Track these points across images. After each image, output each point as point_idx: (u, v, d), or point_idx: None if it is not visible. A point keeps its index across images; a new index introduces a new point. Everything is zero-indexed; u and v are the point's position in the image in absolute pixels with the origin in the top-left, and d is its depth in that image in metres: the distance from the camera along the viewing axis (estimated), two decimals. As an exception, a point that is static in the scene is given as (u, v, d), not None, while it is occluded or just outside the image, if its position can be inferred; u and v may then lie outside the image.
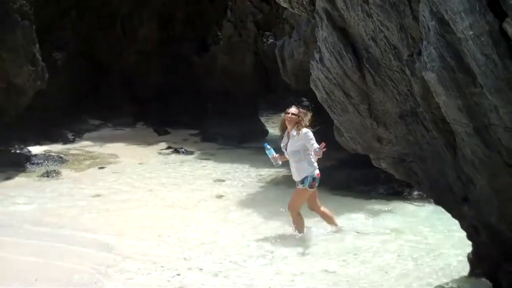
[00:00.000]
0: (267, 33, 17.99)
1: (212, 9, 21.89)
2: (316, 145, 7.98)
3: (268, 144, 8.61)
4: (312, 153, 8.09)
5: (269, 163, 14.03)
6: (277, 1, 6.74)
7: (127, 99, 21.26)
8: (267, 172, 13.28)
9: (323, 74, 5.61)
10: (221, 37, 20.71)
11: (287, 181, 12.38)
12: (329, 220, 8.75)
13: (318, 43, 5.82)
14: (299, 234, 8.47)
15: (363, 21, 4.87)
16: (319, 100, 6.10)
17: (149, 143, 17.79)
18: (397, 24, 4.50)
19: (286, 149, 8.37)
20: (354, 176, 11.50)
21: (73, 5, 20.67)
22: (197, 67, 20.38)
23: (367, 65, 5.11)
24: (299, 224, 8.51)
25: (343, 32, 5.30)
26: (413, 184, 6.04)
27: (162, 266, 7.36)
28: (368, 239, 8.39)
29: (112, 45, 21.52)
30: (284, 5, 6.52)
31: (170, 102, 20.42)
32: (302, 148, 8.17)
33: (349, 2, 4.97)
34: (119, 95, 21.15)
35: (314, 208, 8.71)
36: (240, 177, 13.10)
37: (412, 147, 5.21)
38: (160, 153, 16.34)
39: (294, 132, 8.21)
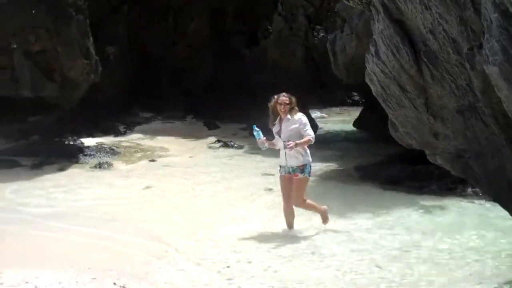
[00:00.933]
0: (318, 26, 17.85)
1: (263, 3, 21.85)
2: (312, 133, 7.97)
3: (257, 127, 8.23)
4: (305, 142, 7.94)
5: (318, 157, 14.14)
6: (331, -8, 6.66)
7: (178, 92, 21.47)
8: (317, 167, 13.14)
9: (379, 67, 5.50)
10: (271, 31, 20.67)
11: (337, 175, 12.37)
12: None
13: (373, 36, 5.71)
14: (326, 221, 8.48)
15: (421, 13, 4.75)
16: (374, 94, 5.99)
17: (199, 137, 17.91)
18: (457, 16, 4.37)
19: (279, 135, 8.08)
20: (406, 171, 11.31)
21: (125, 0, 20.98)
22: (247, 61, 20.40)
23: (425, 59, 4.99)
24: (317, 209, 8.48)
25: (400, 25, 5.18)
26: (470, 181, 5.89)
27: (211, 258, 7.39)
28: (420, 236, 8.22)
29: (163, 39, 21.78)
30: (340, -4, 6.44)
31: (219, 96, 20.50)
32: (296, 132, 7.97)
33: (407, -6, 4.87)
34: (170, 88, 21.40)
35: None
36: (289, 171, 13.01)
37: (470, 143, 5.07)
38: (209, 147, 16.42)
39: (288, 116, 8.03)
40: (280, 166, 8.30)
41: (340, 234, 8.37)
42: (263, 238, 8.24)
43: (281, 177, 8.35)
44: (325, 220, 8.53)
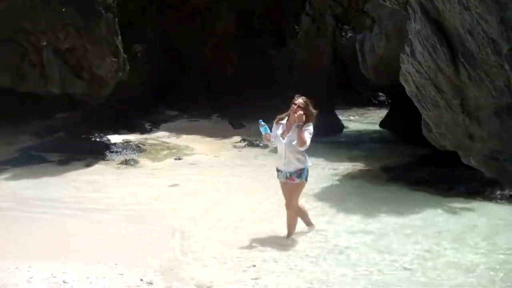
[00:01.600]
0: (346, 26, 17.72)
1: (290, 3, 21.80)
2: (308, 142, 7.62)
3: (263, 121, 7.96)
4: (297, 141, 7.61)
5: (344, 156, 14.11)
6: (368, -8, 6.58)
7: (204, 91, 21.50)
8: (343, 166, 13.15)
9: (414, 68, 5.42)
10: (298, 31, 20.61)
11: (363, 176, 12.29)
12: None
13: (409, 36, 5.64)
14: (312, 227, 8.34)
15: (459, 14, 4.68)
16: (408, 94, 5.92)
17: (224, 136, 17.88)
18: (498, 16, 4.29)
19: (282, 138, 7.77)
20: (434, 173, 11.19)
21: (153, 0, 21.11)
22: (274, 61, 20.36)
23: (462, 59, 4.91)
24: (305, 217, 8.31)
25: (437, 25, 5.09)
26: (505, 183, 5.80)
27: (237, 257, 7.40)
28: (448, 238, 8.13)
29: (190, 38, 21.83)
30: (377, -3, 6.37)
31: (245, 95, 20.46)
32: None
33: (445, -6, 4.81)
34: (196, 87, 21.45)
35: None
36: (315, 170, 12.89)
37: (507, 145, 4.98)
38: (234, 146, 16.37)
39: (301, 124, 7.65)
40: (278, 171, 8.01)
41: (367, 234, 8.33)
42: (290, 238, 8.22)
43: (280, 183, 8.10)
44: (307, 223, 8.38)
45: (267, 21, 22.02)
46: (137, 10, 20.34)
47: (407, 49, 5.60)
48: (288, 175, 7.86)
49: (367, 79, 18.37)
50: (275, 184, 11.42)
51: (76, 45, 14.44)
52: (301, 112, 7.59)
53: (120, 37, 15.34)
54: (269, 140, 7.96)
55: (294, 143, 7.66)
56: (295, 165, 7.80)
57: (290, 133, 7.74)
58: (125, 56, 15.51)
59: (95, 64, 14.63)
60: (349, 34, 17.43)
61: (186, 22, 21.88)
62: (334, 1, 17.48)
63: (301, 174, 7.84)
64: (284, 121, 7.86)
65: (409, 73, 5.62)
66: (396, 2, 5.82)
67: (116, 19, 15.27)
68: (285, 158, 7.79)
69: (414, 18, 5.34)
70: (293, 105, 7.69)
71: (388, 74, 12.63)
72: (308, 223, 8.39)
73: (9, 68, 14.45)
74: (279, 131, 7.84)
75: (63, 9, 14.16)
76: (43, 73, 14.51)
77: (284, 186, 8.06)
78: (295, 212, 8.11)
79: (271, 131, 7.94)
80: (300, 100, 7.74)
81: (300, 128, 7.62)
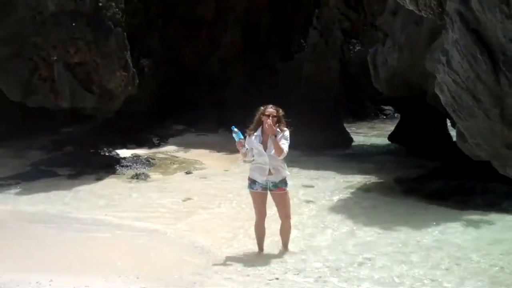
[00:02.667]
0: (354, 40, 17.74)
1: (297, 17, 21.90)
2: (286, 149, 7.49)
3: (236, 128, 7.85)
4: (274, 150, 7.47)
5: (356, 169, 14.06)
6: (401, 2, 6.53)
7: (211, 105, 21.50)
8: (356, 179, 13.09)
9: (450, 77, 5.37)
10: (304, 44, 20.66)
11: (377, 188, 12.23)
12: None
13: (445, 46, 5.61)
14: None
15: (501, 23, 4.65)
16: (443, 104, 5.87)
17: (232, 150, 17.66)
18: (541, 25, 4.27)
19: (260, 148, 7.57)
20: (449, 186, 11.15)
21: (160, 14, 21.21)
22: (281, 75, 20.38)
23: (503, 68, 4.86)
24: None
25: (477, 34, 5.05)
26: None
27: (259, 269, 7.35)
28: (469, 250, 8.08)
29: (197, 52, 21.90)
30: (410, 7, 6.30)
31: (253, 109, 20.40)
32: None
33: (485, 4, 4.76)
34: (203, 101, 21.45)
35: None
36: (327, 183, 12.92)
37: (546, 155, 4.94)
38: (244, 160, 16.28)
39: (278, 130, 7.54)
40: (255, 182, 7.73)
41: (388, 246, 8.28)
42: (309, 249, 8.19)
43: (255, 193, 7.80)
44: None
45: (274, 34, 22.09)
46: (144, 23, 20.42)
47: (443, 58, 5.56)
48: (274, 185, 7.66)
49: (374, 93, 18.42)
50: (291, 196, 11.43)
51: (86, 59, 14.40)
52: (269, 122, 7.45)
53: (129, 52, 15.35)
54: (243, 146, 7.72)
55: (272, 153, 7.53)
56: (281, 175, 7.68)
57: (269, 144, 7.56)
58: (134, 70, 15.50)
59: (105, 78, 14.60)
60: (357, 48, 17.44)
61: (192, 36, 21.95)
62: (342, 15, 17.51)
63: (286, 182, 7.75)
64: (259, 132, 7.70)
65: (444, 83, 5.57)
66: (431, 12, 5.79)
67: (125, 33, 15.29)
68: (272, 169, 7.58)
69: (452, 27, 5.31)
70: (264, 116, 7.57)
71: (401, 86, 12.67)
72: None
73: (19, 82, 14.41)
74: (256, 143, 7.63)
75: (73, 24, 14.16)
76: (53, 87, 14.47)
77: (263, 198, 7.80)
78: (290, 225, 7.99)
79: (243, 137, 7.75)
80: (270, 110, 7.64)
81: (275, 137, 7.49)
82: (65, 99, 14.52)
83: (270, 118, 7.52)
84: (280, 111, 7.74)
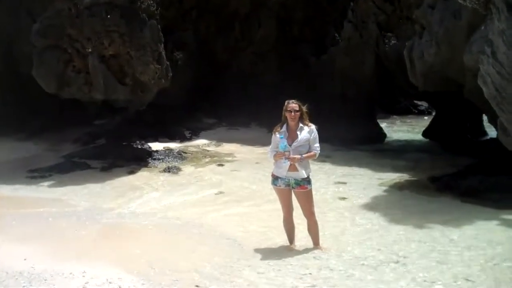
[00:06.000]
0: (389, 34, 17.44)
1: (331, 11, 21.68)
2: (319, 149, 7.52)
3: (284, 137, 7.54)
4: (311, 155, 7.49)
5: (389, 167, 13.87)
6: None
7: (243, 99, 21.44)
8: (389, 176, 12.91)
9: (495, 69, 5.19)
10: (338, 38, 20.42)
11: (411, 186, 12.05)
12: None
13: (489, 36, 5.42)
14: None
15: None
16: (486, 97, 5.70)
17: (264, 143, 17.69)
18: None
19: (289, 145, 7.44)
20: (485, 183, 10.86)
21: (194, 6, 21.18)
22: (314, 69, 20.20)
23: (551, 60, 4.69)
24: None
25: (524, 23, 4.86)
26: None
27: (291, 264, 7.27)
28: (505, 249, 7.87)
29: (230, 45, 21.84)
30: (456, -2, 6.13)
31: (283, 103, 20.27)
32: (306, 143, 7.50)
33: (535, -9, 4.59)
34: (235, 94, 21.41)
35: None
36: (360, 180, 12.77)
37: None
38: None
39: (301, 125, 7.50)
40: (278, 178, 7.66)
41: (422, 245, 8.13)
42: (342, 245, 8.07)
43: (279, 189, 7.72)
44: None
45: (308, 29, 21.91)
46: (178, 16, 20.42)
47: (488, 49, 5.37)
48: (297, 183, 7.58)
49: (408, 88, 18.12)
50: (322, 193, 11.39)
51: (120, 52, 14.48)
52: (293, 111, 7.48)
53: (163, 44, 15.35)
54: (283, 159, 7.51)
55: (295, 147, 7.45)
56: (305, 171, 7.58)
57: (297, 140, 7.49)
58: (168, 63, 15.50)
59: (138, 71, 14.64)
60: (392, 42, 17.14)
61: (225, 29, 21.90)
62: (378, 8, 17.22)
63: (310, 180, 7.66)
64: (284, 129, 7.61)
65: (488, 74, 5.38)
66: (476, 1, 5.60)
67: (159, 26, 15.30)
68: (293, 165, 7.49)
69: (499, 17, 5.12)
70: (288, 112, 7.53)
71: (437, 81, 12.41)
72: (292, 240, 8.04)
73: (54, 74, 14.54)
74: (281, 139, 7.54)
75: (108, 16, 14.23)
76: (87, 79, 14.57)
77: (288, 195, 7.71)
78: (315, 220, 7.88)
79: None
80: (292, 105, 7.56)
81: (308, 130, 7.49)
82: (99, 91, 14.61)
83: (293, 113, 7.48)
84: (303, 106, 7.62)
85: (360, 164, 14.44)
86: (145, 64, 14.59)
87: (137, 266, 7.03)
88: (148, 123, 18.45)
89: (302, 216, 7.86)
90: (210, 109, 21.61)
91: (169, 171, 13.75)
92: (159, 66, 14.90)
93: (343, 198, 11.01)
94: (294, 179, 7.58)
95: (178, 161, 15.03)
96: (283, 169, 7.56)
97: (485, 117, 15.82)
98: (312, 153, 7.52)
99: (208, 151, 17.00)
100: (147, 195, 11.46)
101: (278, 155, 7.52)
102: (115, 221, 9.38)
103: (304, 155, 7.45)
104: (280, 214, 7.98)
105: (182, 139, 18.87)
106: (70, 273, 6.66)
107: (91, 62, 14.36)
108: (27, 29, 15.56)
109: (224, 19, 21.93)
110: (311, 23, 21.84)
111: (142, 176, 13.46)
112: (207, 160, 15.47)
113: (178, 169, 13.93)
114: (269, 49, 21.61)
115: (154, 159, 15.06)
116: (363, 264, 7.30)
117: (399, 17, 16.54)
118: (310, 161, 7.68)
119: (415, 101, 26.87)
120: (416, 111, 26.39)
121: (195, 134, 19.72)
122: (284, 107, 7.65)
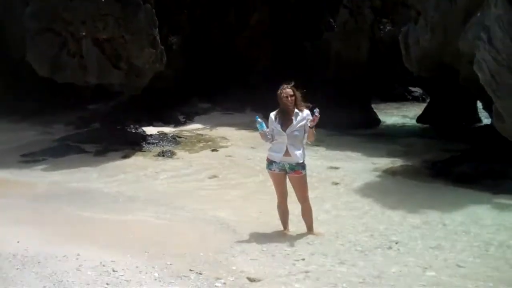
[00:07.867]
0: (384, 20, 17.39)
1: (325, -4, 21.59)
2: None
3: (260, 118, 7.62)
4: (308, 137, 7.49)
5: (382, 151, 13.88)
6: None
7: (237, 84, 21.38)
8: (383, 161, 12.93)
9: (491, 55, 5.19)
10: (333, 24, 20.35)
11: (405, 171, 12.06)
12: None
13: (486, 23, 5.41)
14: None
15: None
16: (482, 83, 5.70)
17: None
18: None
19: (284, 130, 7.45)
20: (479, 169, 10.88)
21: (188, -10, 21.06)
22: (309, 53, 20.15)
23: (548, 46, 4.68)
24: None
25: (522, 9, 4.84)
26: None
27: (285, 250, 7.28)
28: (499, 234, 7.92)
29: (225, 30, 21.74)
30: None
31: (277, 88, 20.23)
32: (302, 129, 7.50)
33: (531, -23, 4.57)
34: (230, 80, 21.33)
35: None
36: (354, 165, 12.79)
37: None
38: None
39: (297, 111, 7.48)
40: (272, 163, 7.65)
41: (415, 230, 8.17)
42: (336, 231, 8.09)
43: (273, 174, 7.72)
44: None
45: (302, 14, 21.79)
46: (173, 1, 20.27)
47: (484, 36, 5.36)
48: (291, 168, 7.58)
49: (403, 74, 18.12)
50: (315, 177, 11.38)
51: (114, 36, 14.39)
52: (289, 96, 7.46)
53: (157, 28, 15.27)
54: (266, 137, 7.60)
55: (305, 141, 7.53)
56: (301, 156, 7.57)
57: (292, 124, 7.48)
58: (163, 47, 15.44)
59: (133, 55, 14.58)
60: (388, 28, 17.09)
61: (220, 14, 21.78)
62: (373, -7, 17.18)
63: (304, 166, 7.64)
64: (277, 113, 7.61)
65: (484, 60, 5.38)
66: (473, -13, 5.58)
67: (154, 10, 15.20)
68: (288, 150, 7.49)
69: (495, 3, 5.10)
70: (283, 96, 7.51)
71: (433, 66, 12.41)
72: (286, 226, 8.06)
73: (48, 58, 14.45)
74: (276, 124, 7.54)
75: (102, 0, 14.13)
76: (81, 63, 14.49)
77: (282, 179, 7.72)
78: (310, 205, 7.89)
79: (267, 127, 7.63)
80: (287, 90, 7.54)
81: (302, 116, 7.46)
82: (93, 75, 14.56)
83: (289, 98, 7.46)
84: (297, 92, 7.58)
85: (354, 149, 14.45)
86: (140, 48, 14.53)
87: (130, 250, 7.04)
88: (142, 107, 18.39)
89: (296, 201, 7.88)
90: (205, 93, 21.53)
91: (163, 155, 13.74)
92: (154, 51, 14.84)
93: (337, 183, 11.03)
94: (289, 164, 7.56)
95: (172, 145, 15.03)
96: (279, 154, 7.55)
97: (479, 104, 15.84)
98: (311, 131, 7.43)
99: (202, 135, 16.98)
100: (140, 179, 11.47)
101: (261, 134, 7.59)
102: (109, 205, 9.38)
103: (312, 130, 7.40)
104: (274, 199, 7.99)
105: (177, 123, 18.85)
106: (64, 256, 6.66)
107: (85, 46, 14.28)
108: (20, 12, 15.44)
109: (219, 3, 21.80)
110: (306, 9, 21.72)
111: (136, 160, 13.45)
112: (201, 144, 15.47)
113: (173, 153, 13.92)
114: (264, 34, 21.51)
115: (149, 143, 15.04)
116: (356, 250, 7.32)
117: (395, 2, 16.48)
118: (304, 145, 7.68)
119: (410, 88, 26.83)
120: (411, 97, 26.35)
121: (189, 119, 19.68)
122: (278, 93, 7.61)
